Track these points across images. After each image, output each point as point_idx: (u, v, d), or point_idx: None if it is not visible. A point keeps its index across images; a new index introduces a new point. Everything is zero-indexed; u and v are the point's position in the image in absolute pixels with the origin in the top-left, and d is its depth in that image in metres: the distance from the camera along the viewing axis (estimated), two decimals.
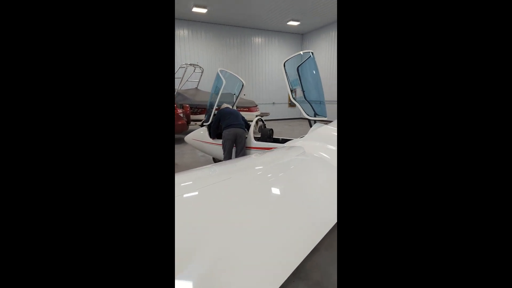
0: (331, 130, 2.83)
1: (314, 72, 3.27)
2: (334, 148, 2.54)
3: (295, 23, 10.72)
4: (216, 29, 11.03)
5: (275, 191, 1.47)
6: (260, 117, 4.05)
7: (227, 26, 11.20)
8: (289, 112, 13.22)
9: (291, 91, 3.11)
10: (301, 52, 3.14)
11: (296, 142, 2.95)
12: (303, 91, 3.37)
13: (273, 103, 12.70)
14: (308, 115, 3.15)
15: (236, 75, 4.03)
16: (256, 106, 8.47)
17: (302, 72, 3.29)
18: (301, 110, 3.13)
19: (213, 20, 10.60)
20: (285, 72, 3.06)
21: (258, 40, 12.05)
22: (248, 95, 10.41)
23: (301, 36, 12.72)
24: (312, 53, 3.13)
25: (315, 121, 3.28)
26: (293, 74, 3.18)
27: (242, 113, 3.90)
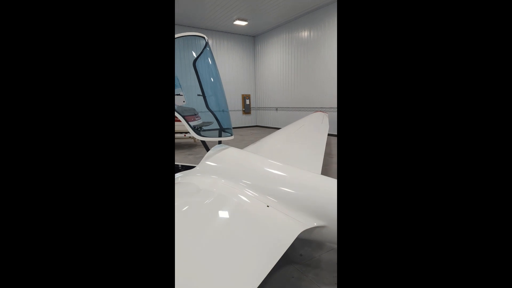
0: (257, 161, 1.78)
1: (214, 68, 2.22)
2: (256, 194, 1.47)
3: (243, 23, 9.75)
4: None
5: None
6: None
7: None
8: (243, 120, 12.21)
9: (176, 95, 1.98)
10: (191, 34, 2.03)
11: (189, 176, 1.86)
12: (204, 96, 2.31)
13: (223, 111, 11.53)
14: (200, 133, 2.07)
15: None
16: (196, 114, 7.21)
17: (201, 68, 2.22)
18: (187, 127, 2.04)
19: None
20: None
21: None
22: (190, 102, 9.12)
23: (252, 38, 11.84)
24: (206, 39, 2.06)
25: (219, 142, 2.24)
26: (180, 72, 2.09)
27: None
